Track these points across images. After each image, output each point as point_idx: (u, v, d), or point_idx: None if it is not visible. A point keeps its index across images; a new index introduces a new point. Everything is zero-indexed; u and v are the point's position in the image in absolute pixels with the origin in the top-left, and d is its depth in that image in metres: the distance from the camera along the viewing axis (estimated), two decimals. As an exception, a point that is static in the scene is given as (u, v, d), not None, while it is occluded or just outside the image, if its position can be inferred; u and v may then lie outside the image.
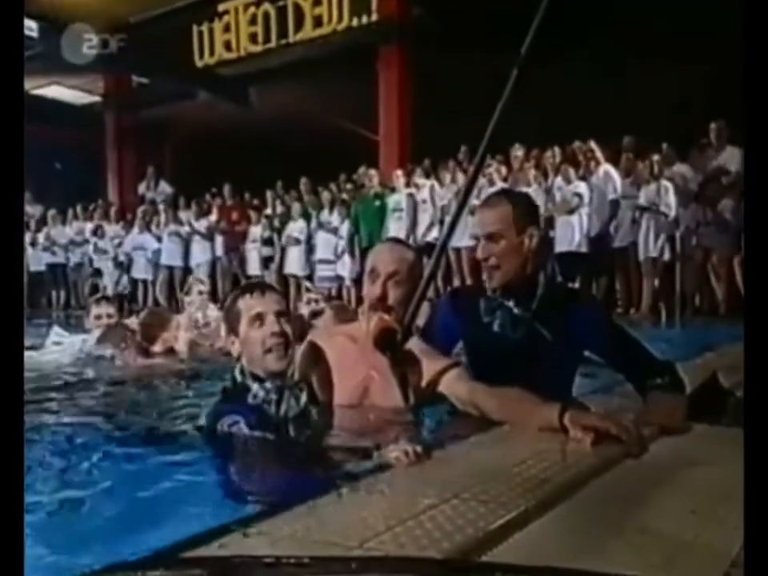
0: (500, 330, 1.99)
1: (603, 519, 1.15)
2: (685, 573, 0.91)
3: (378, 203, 8.18)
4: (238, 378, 1.75)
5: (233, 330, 1.76)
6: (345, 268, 8.41)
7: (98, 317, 3.65)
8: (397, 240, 2.58)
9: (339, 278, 8.55)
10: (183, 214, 9.98)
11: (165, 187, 11.25)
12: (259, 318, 1.70)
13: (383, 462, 1.37)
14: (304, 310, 3.93)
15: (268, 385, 1.72)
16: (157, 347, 3.51)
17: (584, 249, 6.89)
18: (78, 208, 11.02)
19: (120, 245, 10.28)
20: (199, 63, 11.10)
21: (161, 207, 10.45)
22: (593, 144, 6.98)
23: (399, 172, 8.24)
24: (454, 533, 1.02)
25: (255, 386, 1.72)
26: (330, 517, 1.09)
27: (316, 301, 4.17)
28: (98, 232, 10.56)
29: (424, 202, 7.85)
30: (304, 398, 1.76)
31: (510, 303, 1.99)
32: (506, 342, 1.97)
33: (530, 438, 1.57)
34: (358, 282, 7.65)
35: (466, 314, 2.05)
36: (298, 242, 8.74)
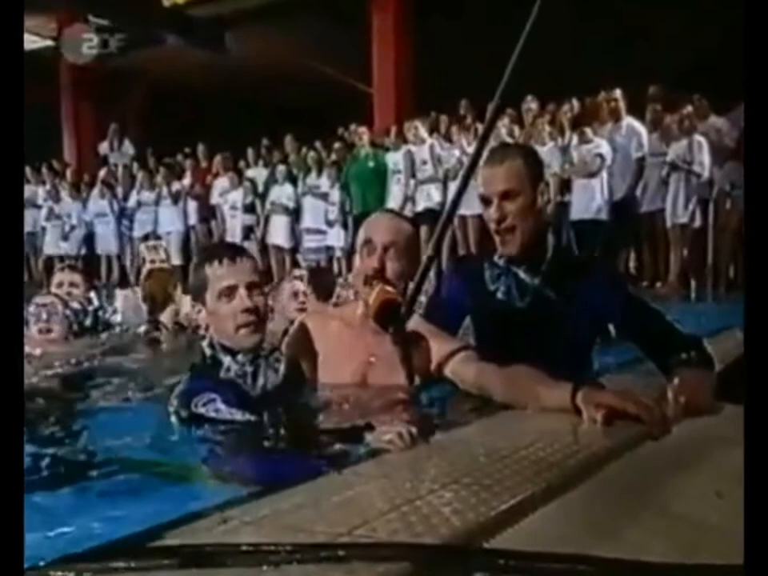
0: (505, 297, 2.02)
1: (619, 504, 1.17)
2: (709, 557, 0.94)
3: (372, 164, 8.12)
4: (207, 351, 1.77)
5: (199, 298, 1.77)
6: (335, 238, 8.39)
7: (60, 284, 3.66)
8: (392, 211, 2.63)
9: (329, 249, 8.55)
10: (159, 179, 9.93)
11: (128, 148, 11.17)
12: (229, 291, 1.71)
13: (375, 445, 1.40)
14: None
15: (241, 358, 1.74)
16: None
17: (604, 215, 6.88)
18: (28, 170, 10.94)
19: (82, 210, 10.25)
20: (167, 2, 10.94)
21: (123, 169, 10.37)
22: (618, 93, 6.90)
23: (394, 129, 8.18)
24: (452, 519, 1.03)
25: (227, 360, 1.74)
26: (317, 502, 1.11)
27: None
28: (51, 195, 10.50)
29: (424, 163, 7.79)
30: (282, 368, 1.78)
31: (517, 269, 2.01)
32: (511, 311, 2.01)
33: (540, 420, 1.60)
34: (350, 253, 7.64)
35: (471, 282, 2.08)
36: (287, 209, 8.70)
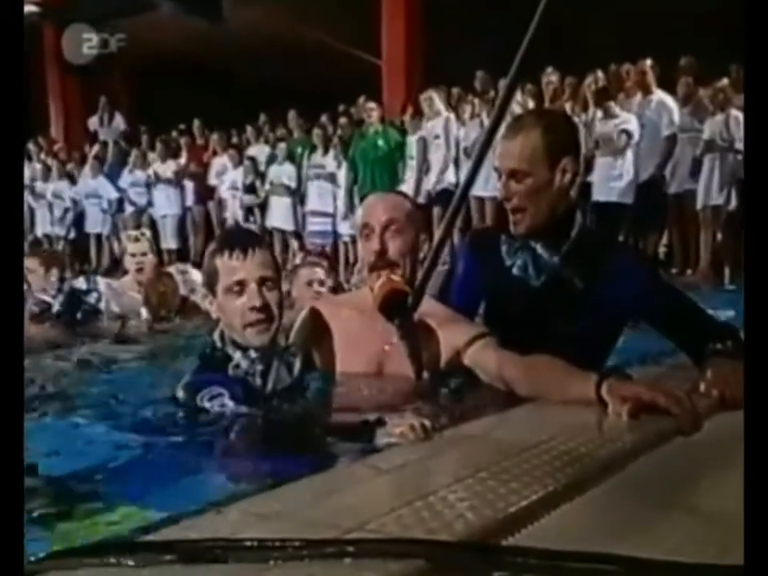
0: (520, 273, 2.01)
1: (647, 501, 1.18)
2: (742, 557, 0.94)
3: (381, 142, 8.10)
4: (218, 343, 1.79)
5: (210, 289, 1.79)
6: (343, 222, 8.37)
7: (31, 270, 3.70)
8: (388, 191, 2.65)
9: (335, 234, 8.54)
10: (153, 157, 9.94)
11: (119, 123, 11.17)
12: (239, 286, 1.71)
13: (387, 438, 1.41)
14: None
15: (252, 354, 1.74)
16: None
17: (630, 197, 6.81)
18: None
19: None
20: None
21: (113, 146, 10.38)
22: (648, 64, 6.81)
23: (410, 110, 8.12)
24: (468, 515, 1.04)
25: (237, 355, 1.74)
26: (325, 496, 1.12)
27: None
28: (41, 174, 10.53)
29: (437, 137, 7.73)
30: (298, 364, 1.79)
31: (536, 245, 2.00)
32: (525, 288, 2.00)
33: (562, 412, 1.60)
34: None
35: (487, 257, 2.07)
36: (288, 189, 8.70)
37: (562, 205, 1.98)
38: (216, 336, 1.79)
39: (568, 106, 7.10)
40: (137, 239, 4.15)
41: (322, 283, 3.29)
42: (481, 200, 7.31)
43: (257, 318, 1.71)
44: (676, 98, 6.79)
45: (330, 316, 2.03)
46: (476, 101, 7.75)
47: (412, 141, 7.91)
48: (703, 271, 6.57)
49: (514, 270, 2.02)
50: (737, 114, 6.30)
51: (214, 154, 9.59)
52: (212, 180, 9.48)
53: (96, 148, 10.56)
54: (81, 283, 3.93)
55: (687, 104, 6.73)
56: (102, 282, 4.18)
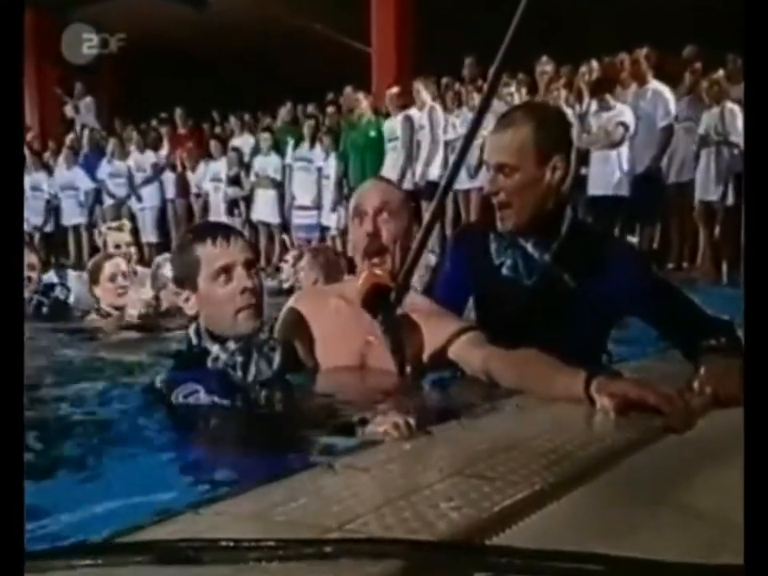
0: (510, 273, 2.02)
1: (636, 499, 1.18)
2: (737, 556, 0.95)
3: (373, 133, 8.08)
4: (194, 339, 1.79)
5: (187, 283, 1.78)
6: (330, 214, 8.36)
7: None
8: (381, 178, 2.72)
9: (323, 227, 8.53)
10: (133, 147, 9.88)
11: (91, 109, 11.08)
12: (226, 271, 1.72)
13: (369, 436, 1.41)
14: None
15: (231, 345, 1.75)
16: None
17: (625, 190, 6.83)
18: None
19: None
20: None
21: (89, 133, 10.31)
22: (642, 53, 6.82)
23: (394, 90, 8.09)
24: (451, 514, 1.05)
25: (216, 348, 1.75)
26: (304, 496, 1.12)
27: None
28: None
29: (422, 128, 7.71)
30: (278, 358, 1.79)
31: (525, 243, 2.01)
32: (517, 288, 2.01)
33: (550, 409, 1.61)
34: (345, 231, 7.60)
35: (476, 254, 2.09)
36: (273, 182, 8.67)
37: (551, 202, 1.98)
38: (191, 332, 1.79)
39: (563, 96, 7.11)
40: (119, 229, 4.15)
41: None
42: (466, 192, 7.32)
43: (249, 302, 1.73)
44: (673, 88, 6.80)
45: (317, 306, 2.05)
46: (464, 89, 7.75)
47: (396, 121, 7.84)
48: (701, 267, 6.60)
49: (504, 270, 2.04)
50: (732, 107, 6.33)
51: (184, 168, 9.49)
52: (193, 189, 9.41)
53: (71, 137, 10.48)
54: (51, 277, 3.92)
55: (686, 94, 6.75)
56: (72, 276, 4.17)
